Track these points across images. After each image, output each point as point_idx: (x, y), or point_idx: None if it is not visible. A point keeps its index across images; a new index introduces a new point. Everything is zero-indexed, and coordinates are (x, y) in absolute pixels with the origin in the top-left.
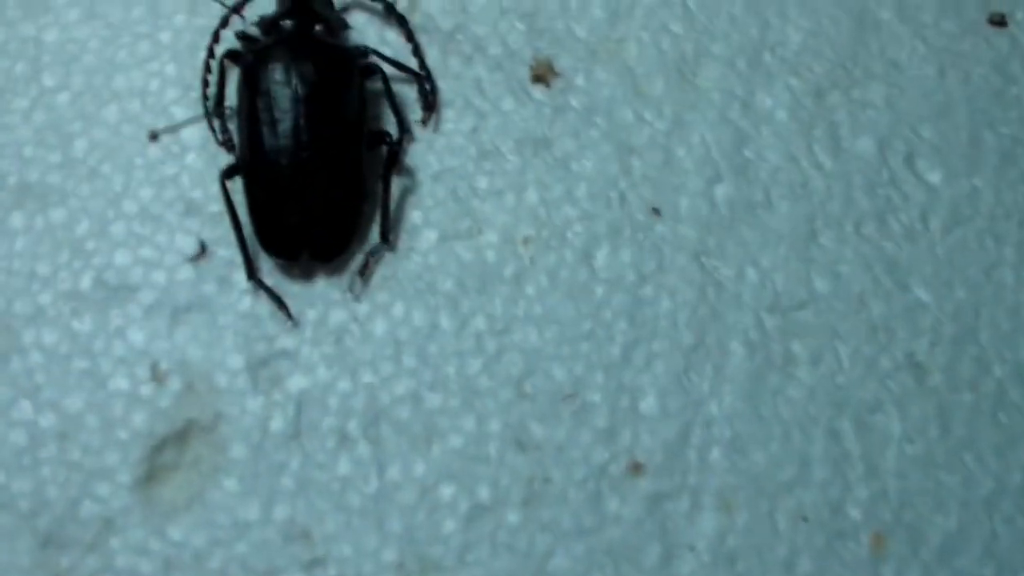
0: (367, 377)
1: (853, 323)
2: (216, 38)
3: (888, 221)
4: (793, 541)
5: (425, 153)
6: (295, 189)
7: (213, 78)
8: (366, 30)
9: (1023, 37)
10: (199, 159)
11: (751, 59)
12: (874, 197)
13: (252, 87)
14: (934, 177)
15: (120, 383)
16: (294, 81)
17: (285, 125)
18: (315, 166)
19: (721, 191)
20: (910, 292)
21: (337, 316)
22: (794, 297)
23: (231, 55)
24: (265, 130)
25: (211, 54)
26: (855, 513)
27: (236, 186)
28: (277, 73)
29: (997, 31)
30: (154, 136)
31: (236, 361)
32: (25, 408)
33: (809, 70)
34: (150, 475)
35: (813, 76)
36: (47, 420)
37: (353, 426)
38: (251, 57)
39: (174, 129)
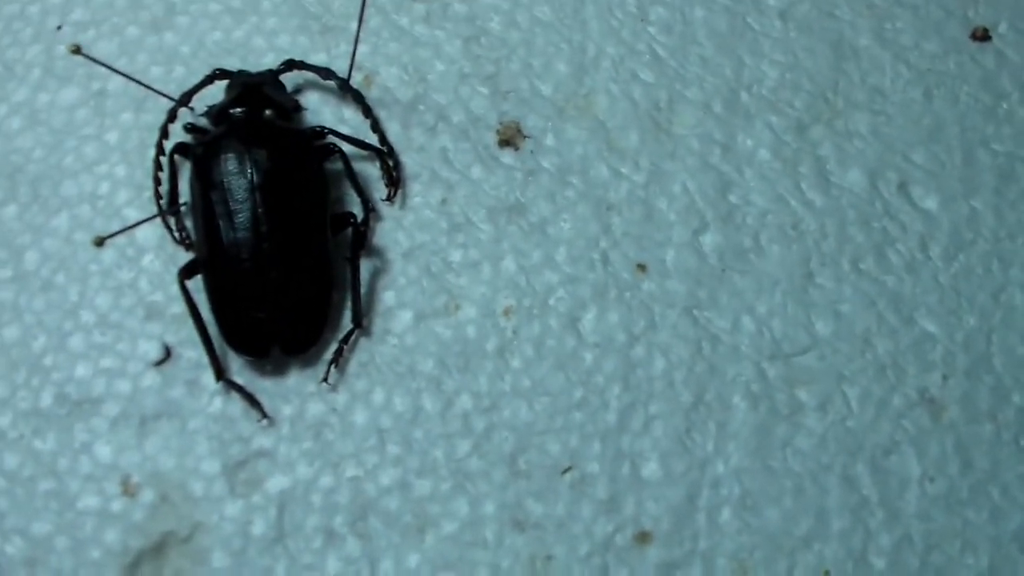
0: (351, 470)
1: (860, 364)
2: (165, 133)
3: (887, 254)
4: None
5: (394, 231)
6: (259, 283)
7: (165, 175)
8: (321, 110)
9: (1009, 50)
10: (157, 260)
11: (727, 100)
12: (870, 231)
13: (205, 180)
14: (930, 203)
15: (89, 501)
16: (248, 170)
17: (243, 217)
18: (278, 257)
19: (708, 240)
20: (916, 325)
21: (314, 409)
22: (795, 343)
23: (181, 149)
24: (222, 224)
25: (160, 151)
26: (879, 562)
27: (196, 284)
28: (230, 163)
29: (981, 46)
30: (100, 242)
31: (211, 466)
32: None
33: (789, 105)
34: None
35: (794, 111)
36: (14, 547)
37: (339, 522)
38: (201, 149)
39: (123, 231)
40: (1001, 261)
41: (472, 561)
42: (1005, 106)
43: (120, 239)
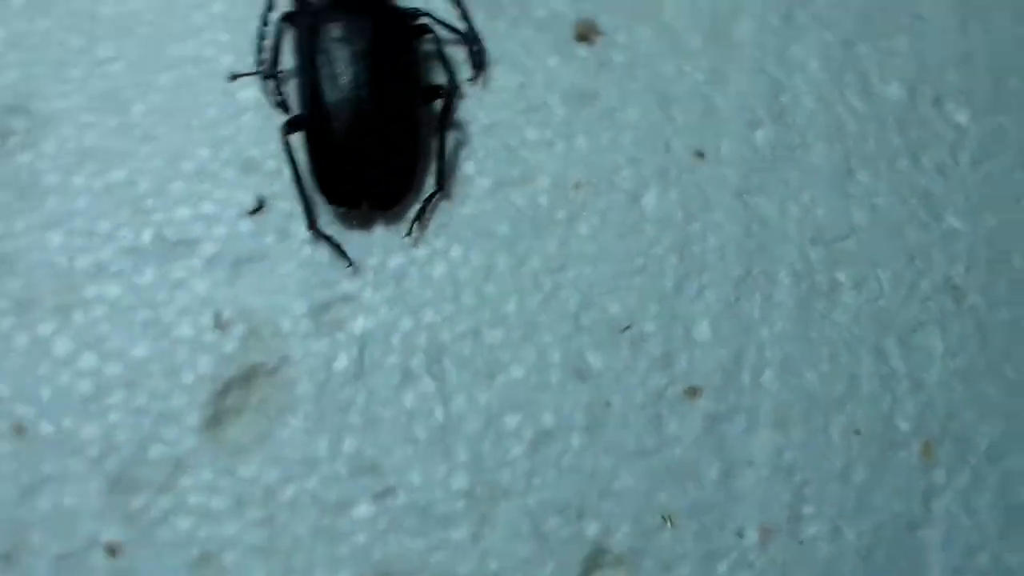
0: (428, 317)
1: (892, 251)
2: (270, 4)
3: (920, 158)
4: (848, 453)
5: (475, 109)
6: (356, 140)
7: (269, 42)
8: None
9: None
10: (254, 119)
11: (783, 15)
12: (906, 137)
13: (312, 46)
14: (961, 117)
15: (184, 331)
16: (354, 38)
17: (345, 80)
18: (375, 118)
19: (760, 135)
20: (944, 221)
21: (396, 260)
22: (835, 229)
23: (288, 17)
24: (326, 86)
25: (265, 20)
26: (904, 425)
27: (295, 142)
28: (336, 31)
29: None
30: (234, 78)
31: (299, 307)
32: (90, 359)
33: (838, 24)
34: (217, 417)
35: (842, 29)
36: (113, 369)
37: (416, 363)
38: (310, 18)
39: (250, 74)
40: (1023, 171)
41: (537, 403)
42: None
43: (220, 98)
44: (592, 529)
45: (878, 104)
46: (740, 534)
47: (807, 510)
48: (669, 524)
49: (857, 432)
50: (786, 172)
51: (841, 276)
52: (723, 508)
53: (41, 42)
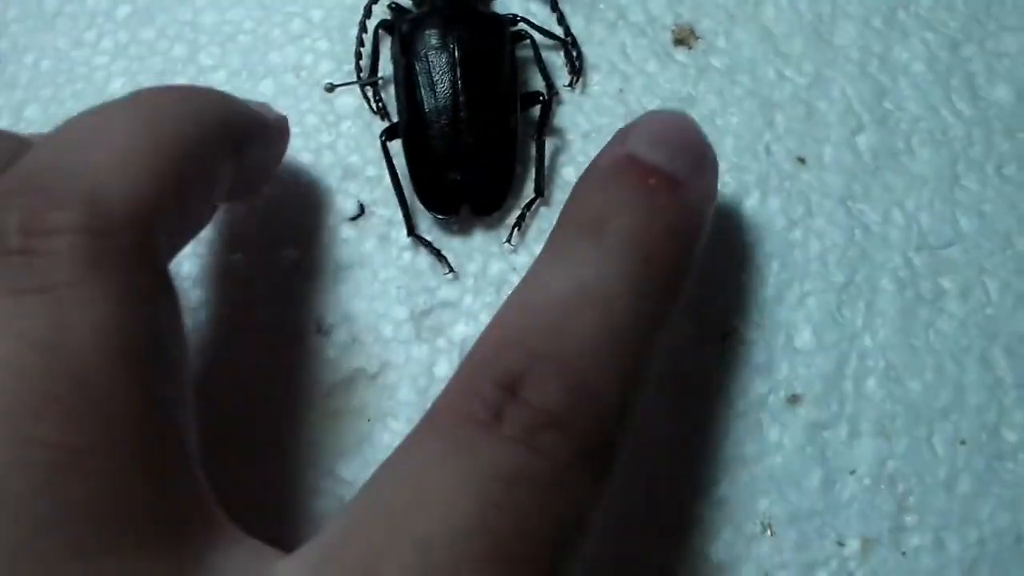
0: None
1: (1000, 259)
2: (368, 12)
3: None
4: (952, 463)
5: (574, 114)
6: (455, 146)
7: (367, 49)
8: (510, 2)
9: None
10: (354, 126)
11: (886, 17)
12: (1014, 141)
13: (410, 53)
14: None
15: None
16: (451, 45)
17: (443, 87)
18: (473, 125)
19: (863, 140)
20: None
21: (496, 267)
22: (941, 236)
23: (385, 25)
24: (424, 93)
25: (364, 28)
26: (1011, 436)
27: (394, 148)
28: (434, 39)
29: None
30: (331, 88)
31: (400, 312)
32: (193, 361)
33: (943, 25)
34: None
35: (948, 30)
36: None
37: None
38: (407, 25)
39: (347, 84)
40: None
41: None
42: None
43: (320, 105)
44: (691, 535)
45: (985, 107)
46: (841, 543)
47: (910, 520)
48: (769, 532)
49: (962, 442)
50: (890, 178)
51: (946, 284)
52: (824, 517)
53: (146, 52)
